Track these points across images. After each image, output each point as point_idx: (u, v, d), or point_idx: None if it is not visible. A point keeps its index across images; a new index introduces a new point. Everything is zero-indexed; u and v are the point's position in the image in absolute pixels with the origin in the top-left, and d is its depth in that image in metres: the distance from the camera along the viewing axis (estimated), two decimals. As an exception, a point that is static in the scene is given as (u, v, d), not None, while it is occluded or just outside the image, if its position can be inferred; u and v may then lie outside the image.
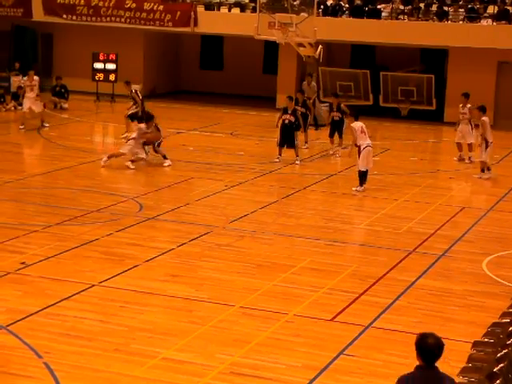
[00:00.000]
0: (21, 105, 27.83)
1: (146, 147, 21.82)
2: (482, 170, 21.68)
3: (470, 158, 23.77)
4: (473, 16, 31.00)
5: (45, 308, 11.69)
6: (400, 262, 14.54)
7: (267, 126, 28.17)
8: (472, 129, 23.88)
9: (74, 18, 34.21)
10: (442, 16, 31.06)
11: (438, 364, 6.65)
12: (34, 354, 10.17)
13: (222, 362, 10.17)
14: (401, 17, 31.99)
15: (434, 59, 33.37)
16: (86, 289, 12.52)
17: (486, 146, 21.31)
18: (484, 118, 21.56)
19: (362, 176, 19.71)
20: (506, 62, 30.69)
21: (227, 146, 25.15)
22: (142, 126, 21.66)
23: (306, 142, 25.13)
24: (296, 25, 27.70)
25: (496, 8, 31.01)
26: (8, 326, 11.02)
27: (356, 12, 31.85)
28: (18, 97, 29.57)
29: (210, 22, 32.73)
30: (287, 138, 22.71)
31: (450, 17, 31.34)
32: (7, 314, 11.45)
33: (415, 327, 11.00)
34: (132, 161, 21.34)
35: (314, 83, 29.80)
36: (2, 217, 16.48)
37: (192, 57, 37.92)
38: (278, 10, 29.09)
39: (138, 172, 21.30)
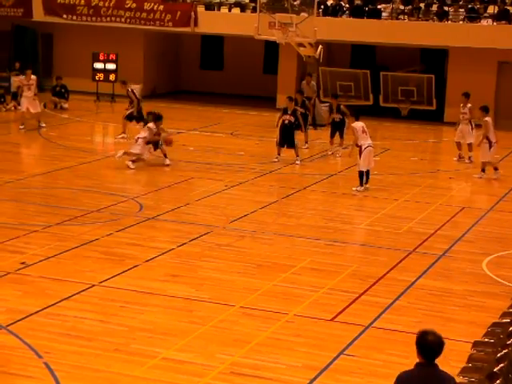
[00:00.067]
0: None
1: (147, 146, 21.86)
2: (483, 170, 21.68)
3: (469, 157, 23.77)
4: (473, 16, 31.00)
5: (45, 308, 11.69)
6: (400, 261, 14.54)
7: (267, 126, 28.17)
8: (472, 129, 23.89)
9: (74, 18, 34.21)
10: (442, 16, 31.06)
11: (438, 362, 6.66)
12: (34, 354, 10.17)
13: (223, 362, 10.17)
14: (401, 17, 31.99)
15: (434, 59, 33.36)
16: (86, 289, 12.52)
17: (490, 146, 21.33)
18: (487, 119, 21.58)
19: (363, 176, 19.72)
20: (506, 62, 30.69)
21: (227, 146, 25.15)
22: (151, 125, 21.62)
23: (306, 142, 25.13)
24: (296, 25, 27.71)
25: (496, 8, 31.00)
26: (8, 325, 11.02)
27: (356, 12, 31.85)
28: (17, 96, 29.55)
29: (210, 22, 32.73)
30: (287, 138, 22.72)
31: (450, 17, 31.34)
32: (7, 313, 11.45)
33: (415, 327, 10.97)
34: (133, 161, 21.35)
35: (313, 82, 29.81)
36: (2, 217, 16.48)
37: (192, 57, 37.93)
38: (278, 10, 29.09)
39: (138, 172, 21.30)
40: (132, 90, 26.20)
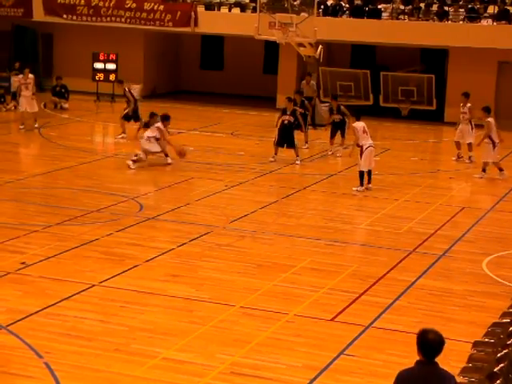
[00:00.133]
0: (20, 104, 27.79)
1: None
2: (483, 170, 21.69)
3: (469, 157, 23.78)
4: (473, 16, 31.00)
5: (45, 308, 11.69)
6: (400, 261, 14.54)
7: (267, 126, 28.16)
8: (472, 128, 23.91)
9: (75, 18, 34.21)
10: (442, 16, 31.06)
11: (438, 361, 6.68)
12: (34, 354, 10.17)
13: (223, 362, 10.17)
14: (401, 17, 31.99)
15: (435, 59, 33.36)
16: (86, 289, 12.52)
17: (494, 147, 21.36)
18: (489, 119, 21.60)
19: (363, 176, 19.71)
20: (507, 61, 30.70)
21: (227, 146, 25.15)
22: (160, 125, 21.61)
23: (307, 142, 25.14)
24: (296, 25, 27.70)
25: (496, 8, 31.01)
26: (8, 325, 11.02)
27: (356, 12, 31.84)
28: (16, 96, 29.55)
29: (210, 22, 32.73)
30: (286, 138, 22.74)
31: (451, 17, 31.34)
32: (7, 313, 11.45)
33: (415, 327, 10.91)
34: (134, 161, 21.36)
35: (313, 82, 29.82)
36: (2, 217, 16.48)
37: (192, 57, 37.93)
38: (279, 10, 29.09)
39: (138, 172, 21.30)
40: (129, 90, 26.23)
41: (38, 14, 34.49)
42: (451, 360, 9.13)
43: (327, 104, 29.74)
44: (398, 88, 31.88)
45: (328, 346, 10.79)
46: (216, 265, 13.98)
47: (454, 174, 22.49)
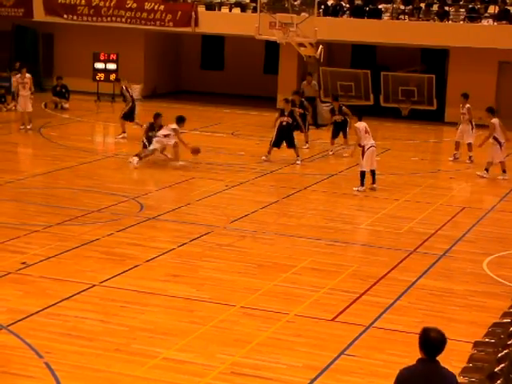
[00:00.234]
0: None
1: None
2: (486, 170, 21.71)
3: (469, 157, 23.79)
4: (473, 16, 30.99)
5: (45, 308, 11.69)
6: (401, 261, 14.54)
7: (268, 125, 28.00)
8: (472, 129, 23.93)
9: (75, 17, 34.22)
10: (442, 16, 31.06)
11: (439, 358, 6.72)
12: (34, 354, 10.18)
13: (223, 362, 10.17)
14: (401, 17, 31.98)
15: (435, 59, 33.36)
16: (86, 289, 12.52)
17: (501, 147, 21.39)
18: (493, 120, 21.63)
19: (364, 176, 19.71)
20: (507, 62, 30.69)
21: (228, 146, 25.15)
22: (176, 126, 21.63)
23: (307, 142, 25.15)
24: (297, 25, 27.72)
25: (497, 8, 31.00)
26: (9, 325, 11.02)
27: (357, 12, 31.84)
28: (16, 96, 29.53)
29: (210, 22, 32.73)
30: (285, 139, 22.76)
31: (451, 17, 31.34)
32: (8, 313, 11.45)
33: (416, 327, 10.96)
34: (140, 158, 21.43)
35: (314, 82, 29.80)
36: (2, 217, 16.48)
37: (193, 57, 37.93)
38: (279, 9, 29.11)
39: (138, 172, 21.30)
40: (126, 88, 26.24)
41: (39, 14, 34.49)
42: (452, 360, 9.12)
43: (328, 104, 29.79)
44: (398, 88, 31.88)
45: (328, 346, 10.79)
46: (216, 265, 13.98)
47: (454, 174, 22.50)
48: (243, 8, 33.68)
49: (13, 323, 11.10)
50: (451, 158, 24.15)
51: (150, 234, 15.73)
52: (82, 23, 34.19)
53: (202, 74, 37.82)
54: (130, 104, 25.88)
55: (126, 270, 13.46)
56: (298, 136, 24.29)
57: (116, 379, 9.66)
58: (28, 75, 26.51)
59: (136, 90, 33.32)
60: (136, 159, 21.42)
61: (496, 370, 8.06)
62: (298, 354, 10.48)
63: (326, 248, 15.25)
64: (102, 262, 13.87)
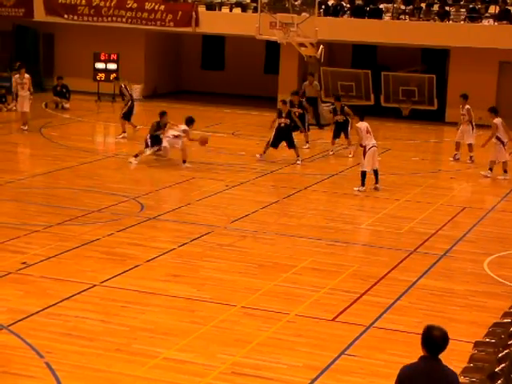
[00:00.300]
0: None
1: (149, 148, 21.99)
2: (490, 169, 21.73)
3: (470, 157, 23.80)
4: (474, 16, 30.99)
5: (46, 308, 11.69)
6: (401, 261, 14.54)
7: (268, 125, 28.10)
8: (473, 129, 23.95)
9: (76, 17, 34.22)
10: (443, 16, 31.06)
11: (441, 357, 6.74)
12: (35, 354, 10.18)
13: (224, 362, 10.17)
14: (402, 17, 31.99)
15: (436, 59, 33.37)
16: (87, 289, 12.52)
17: (504, 146, 21.42)
18: (495, 120, 21.66)
19: (365, 176, 19.71)
20: (508, 62, 30.69)
21: (228, 146, 25.15)
22: (186, 127, 21.69)
23: (307, 142, 25.16)
24: (297, 25, 27.72)
25: (497, 8, 31.01)
26: (9, 325, 11.02)
27: (357, 12, 31.84)
28: (15, 96, 29.51)
29: (211, 22, 32.73)
30: (284, 140, 22.79)
31: (452, 17, 31.34)
32: (8, 313, 11.45)
33: (417, 327, 10.98)
34: (136, 155, 21.52)
35: (316, 82, 29.83)
36: (3, 217, 16.48)
37: (193, 57, 37.92)
38: (280, 9, 29.11)
39: (139, 172, 21.31)
40: (125, 86, 26.24)
41: (39, 14, 34.49)
42: (452, 360, 9.11)
43: (328, 104, 29.83)
44: (399, 88, 31.87)
45: (329, 346, 10.79)
46: (217, 265, 13.98)
47: (454, 174, 22.50)
48: (244, 8, 33.68)
49: (13, 323, 11.10)
50: (452, 159, 24.16)
51: (151, 233, 15.73)
52: (83, 23, 34.19)
53: (202, 73, 37.82)
54: (130, 103, 25.87)
55: (127, 270, 13.46)
56: (298, 136, 24.31)
57: (116, 379, 9.66)
58: (27, 75, 26.46)
59: (136, 90, 33.39)
60: (133, 159, 21.58)
61: (496, 369, 8.06)
62: (299, 354, 10.48)
63: (327, 248, 15.25)
64: (103, 261, 13.87)
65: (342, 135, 24.66)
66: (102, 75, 33.35)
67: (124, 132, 25.68)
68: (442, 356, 6.73)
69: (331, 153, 24.46)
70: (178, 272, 13.53)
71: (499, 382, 7.81)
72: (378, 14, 31.68)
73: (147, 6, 33.11)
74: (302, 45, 29.09)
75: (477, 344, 9.36)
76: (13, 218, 16.41)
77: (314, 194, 19.76)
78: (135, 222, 16.42)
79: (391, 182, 20.93)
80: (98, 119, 30.86)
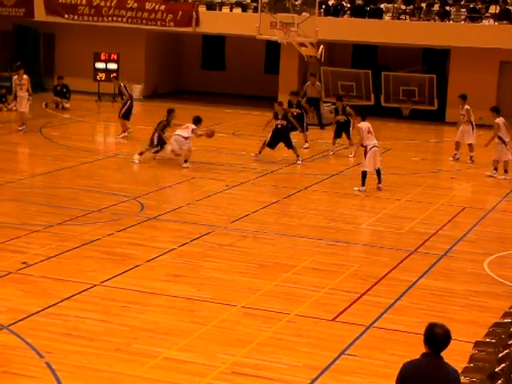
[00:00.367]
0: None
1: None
2: (495, 169, 21.75)
3: (470, 157, 23.80)
4: (474, 16, 31.00)
5: (46, 308, 11.69)
6: (402, 261, 14.54)
7: (269, 125, 28.13)
8: (473, 129, 23.95)
9: (76, 17, 34.22)
10: (443, 16, 31.06)
11: (443, 354, 6.77)
12: (35, 354, 10.17)
13: (224, 362, 10.17)
14: (402, 17, 31.99)
15: (436, 59, 33.37)
16: (87, 289, 12.52)
17: (505, 146, 21.43)
18: (497, 120, 21.67)
19: (365, 176, 19.71)
20: (508, 61, 30.69)
21: (229, 146, 25.15)
22: (194, 127, 21.73)
23: (306, 142, 25.15)
24: (298, 25, 27.72)
25: (498, 8, 31.01)
26: (9, 325, 11.02)
27: (358, 12, 31.84)
28: (15, 96, 29.50)
29: (211, 22, 32.73)
30: (282, 141, 22.78)
31: (452, 17, 31.35)
32: (9, 313, 11.45)
33: (417, 327, 10.99)
34: (141, 153, 21.67)
35: (318, 83, 29.87)
36: (3, 216, 16.48)
37: (194, 57, 37.92)
38: (280, 9, 29.11)
39: (139, 172, 21.32)
40: (124, 85, 26.23)
41: (40, 14, 34.49)
42: (453, 360, 9.10)
43: (329, 104, 29.83)
44: (399, 88, 31.88)
45: (329, 345, 10.79)
46: (217, 265, 13.98)
47: (455, 174, 22.50)
48: (244, 8, 33.69)
49: (13, 323, 11.09)
50: (451, 158, 24.16)
51: (151, 233, 15.73)
52: (83, 23, 34.19)
53: (202, 73, 37.82)
54: (129, 102, 25.85)
55: (127, 270, 13.46)
56: (297, 136, 24.32)
57: (117, 379, 9.66)
58: (25, 76, 26.37)
59: (137, 89, 33.40)
60: (137, 157, 21.66)
61: (497, 369, 8.06)
62: (299, 354, 10.48)
63: (327, 248, 15.25)
64: (103, 261, 13.87)
65: (344, 135, 24.66)
66: (102, 75, 33.33)
67: (124, 132, 25.67)
68: (442, 356, 6.74)
69: (331, 153, 24.45)
70: (178, 272, 13.53)
71: (499, 382, 7.80)
72: (378, 14, 31.69)
73: (147, 5, 33.11)
74: (302, 45, 29.09)
75: (477, 344, 9.35)
76: (13, 218, 16.41)
77: (315, 193, 19.76)
78: (135, 221, 16.42)
79: (392, 182, 20.92)
80: (99, 119, 30.86)
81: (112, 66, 33.35)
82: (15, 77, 27.11)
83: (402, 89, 31.85)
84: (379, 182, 19.96)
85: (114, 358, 10.17)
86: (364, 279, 13.47)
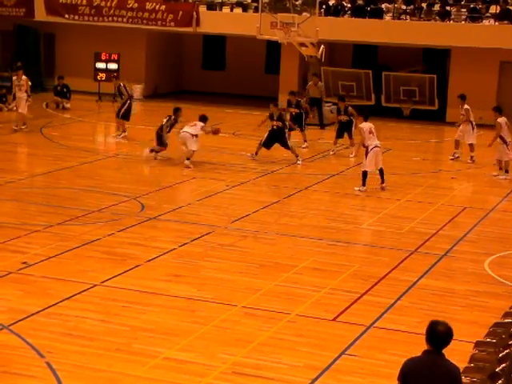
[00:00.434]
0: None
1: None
2: (501, 169, 21.76)
3: (471, 157, 23.79)
4: (475, 16, 31.00)
5: (46, 308, 11.68)
6: (402, 261, 14.54)
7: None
8: (473, 129, 23.94)
9: (76, 17, 34.22)
10: (444, 16, 31.06)
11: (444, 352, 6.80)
12: (35, 354, 10.17)
13: (224, 362, 10.16)
14: (403, 17, 31.98)
15: (436, 59, 33.37)
16: (87, 289, 12.51)
17: (507, 145, 21.44)
18: (499, 120, 21.67)
19: (366, 176, 19.70)
20: (508, 61, 30.68)
21: (229, 146, 25.15)
22: (202, 124, 21.78)
23: (305, 141, 25.14)
24: (298, 25, 27.70)
25: (498, 8, 31.01)
26: (10, 325, 11.02)
27: (358, 12, 31.84)
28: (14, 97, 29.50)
29: (212, 22, 32.73)
30: (278, 142, 22.77)
31: (452, 17, 31.35)
32: (9, 313, 11.45)
33: (417, 327, 10.99)
34: (152, 150, 22.00)
35: (321, 83, 29.89)
36: (3, 216, 16.48)
37: (194, 57, 37.93)
38: (280, 9, 29.10)
39: (139, 172, 21.32)
40: (124, 85, 26.22)
41: (40, 14, 34.49)
42: (453, 360, 9.10)
43: (330, 104, 29.83)
44: (399, 88, 31.88)
45: (330, 345, 10.78)
46: (218, 265, 13.97)
47: (455, 174, 22.50)
48: (244, 8, 33.69)
49: (14, 323, 11.09)
50: (451, 157, 24.16)
51: (151, 233, 15.72)
52: (84, 23, 34.20)
53: (203, 73, 37.82)
54: (128, 102, 25.82)
55: (127, 270, 13.45)
56: (297, 136, 24.33)
57: (117, 379, 9.66)
58: (24, 77, 26.33)
59: (137, 89, 33.39)
60: (148, 150, 21.72)
61: (497, 369, 8.06)
62: (300, 354, 10.47)
63: (328, 248, 15.24)
64: (103, 261, 13.87)
65: (345, 135, 24.65)
66: (102, 75, 33.33)
67: (124, 132, 25.67)
68: (444, 353, 6.75)
69: (332, 153, 24.45)
70: (178, 272, 13.52)
71: (500, 381, 7.80)
72: (378, 14, 31.68)
73: (148, 5, 33.11)
74: (302, 45, 29.07)
75: (477, 344, 9.35)
76: (13, 218, 16.41)
77: (315, 193, 19.76)
78: (136, 221, 16.42)
79: (392, 182, 20.90)
80: (99, 119, 30.86)
81: (112, 66, 33.34)
82: (14, 77, 27.10)
83: (402, 89, 31.85)
84: (382, 181, 19.95)
85: (114, 357, 10.17)
86: (364, 279, 13.46)
